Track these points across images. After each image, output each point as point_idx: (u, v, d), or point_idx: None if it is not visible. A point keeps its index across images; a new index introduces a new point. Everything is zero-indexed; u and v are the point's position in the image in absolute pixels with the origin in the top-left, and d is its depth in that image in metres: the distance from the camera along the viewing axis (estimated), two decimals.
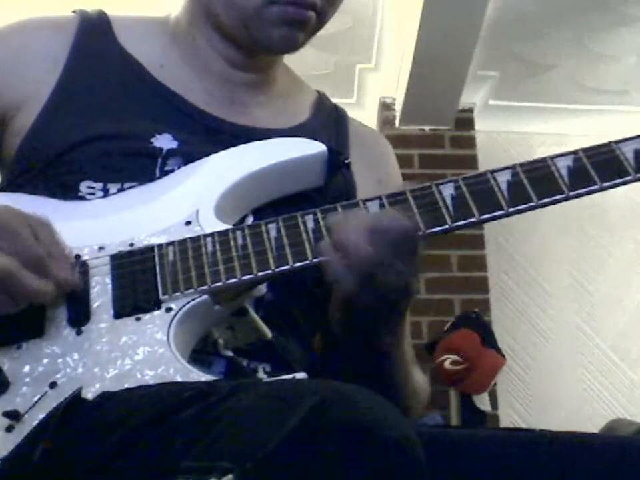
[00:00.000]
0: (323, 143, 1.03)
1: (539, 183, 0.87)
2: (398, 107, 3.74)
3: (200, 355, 0.92)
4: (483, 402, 3.30)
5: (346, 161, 1.09)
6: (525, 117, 3.99)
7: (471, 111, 3.93)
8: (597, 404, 3.75)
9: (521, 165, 0.89)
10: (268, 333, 0.96)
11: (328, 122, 1.18)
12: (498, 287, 3.83)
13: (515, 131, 4.04)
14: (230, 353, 0.95)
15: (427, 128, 3.82)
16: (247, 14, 1.02)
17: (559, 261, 3.93)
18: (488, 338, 3.37)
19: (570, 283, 3.92)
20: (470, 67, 3.42)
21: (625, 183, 0.88)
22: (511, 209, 0.87)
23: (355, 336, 0.96)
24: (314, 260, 0.87)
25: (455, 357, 3.28)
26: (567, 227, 3.96)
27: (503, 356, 3.40)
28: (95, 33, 1.10)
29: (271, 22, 1.01)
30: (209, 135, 1.05)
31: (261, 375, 0.96)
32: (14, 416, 0.79)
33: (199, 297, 0.87)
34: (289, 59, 1.17)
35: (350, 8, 3.30)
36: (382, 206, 0.89)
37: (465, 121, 3.89)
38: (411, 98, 3.57)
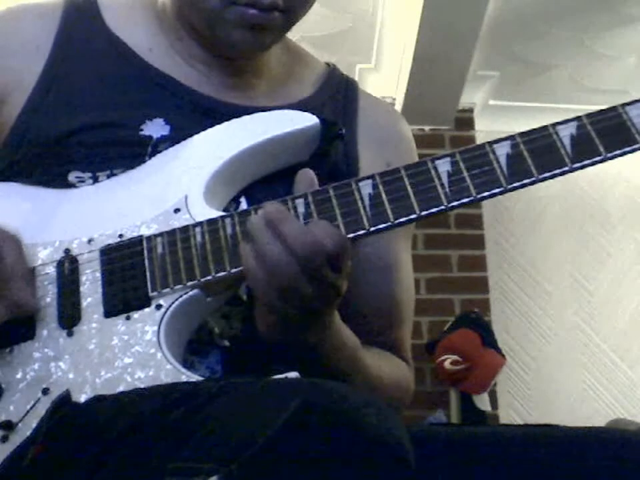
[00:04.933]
0: (326, 118, 0.97)
1: (540, 155, 0.82)
2: (398, 106, 3.73)
3: (196, 344, 0.90)
4: (482, 402, 3.30)
5: (340, 132, 1.01)
6: (525, 117, 3.98)
7: (471, 111, 3.93)
8: (597, 404, 3.75)
9: (521, 134, 0.84)
10: None
11: (335, 96, 1.11)
12: (498, 286, 3.83)
13: (515, 130, 4.02)
14: (226, 342, 0.92)
15: (426, 128, 3.82)
16: (209, 16, 0.97)
17: (559, 261, 3.93)
18: (488, 338, 3.37)
19: (570, 283, 3.92)
20: (470, 67, 3.42)
21: (632, 152, 0.81)
22: (510, 186, 0.81)
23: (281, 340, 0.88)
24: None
25: (455, 357, 3.29)
26: (567, 227, 3.96)
27: (503, 356, 3.40)
28: (81, 16, 1.06)
29: (232, 24, 0.96)
30: (204, 116, 1.00)
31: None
32: (7, 427, 0.78)
33: (189, 291, 0.84)
34: None
35: (350, 8, 3.30)
36: (375, 187, 0.83)
37: (465, 120, 3.90)
38: (411, 98, 3.57)
